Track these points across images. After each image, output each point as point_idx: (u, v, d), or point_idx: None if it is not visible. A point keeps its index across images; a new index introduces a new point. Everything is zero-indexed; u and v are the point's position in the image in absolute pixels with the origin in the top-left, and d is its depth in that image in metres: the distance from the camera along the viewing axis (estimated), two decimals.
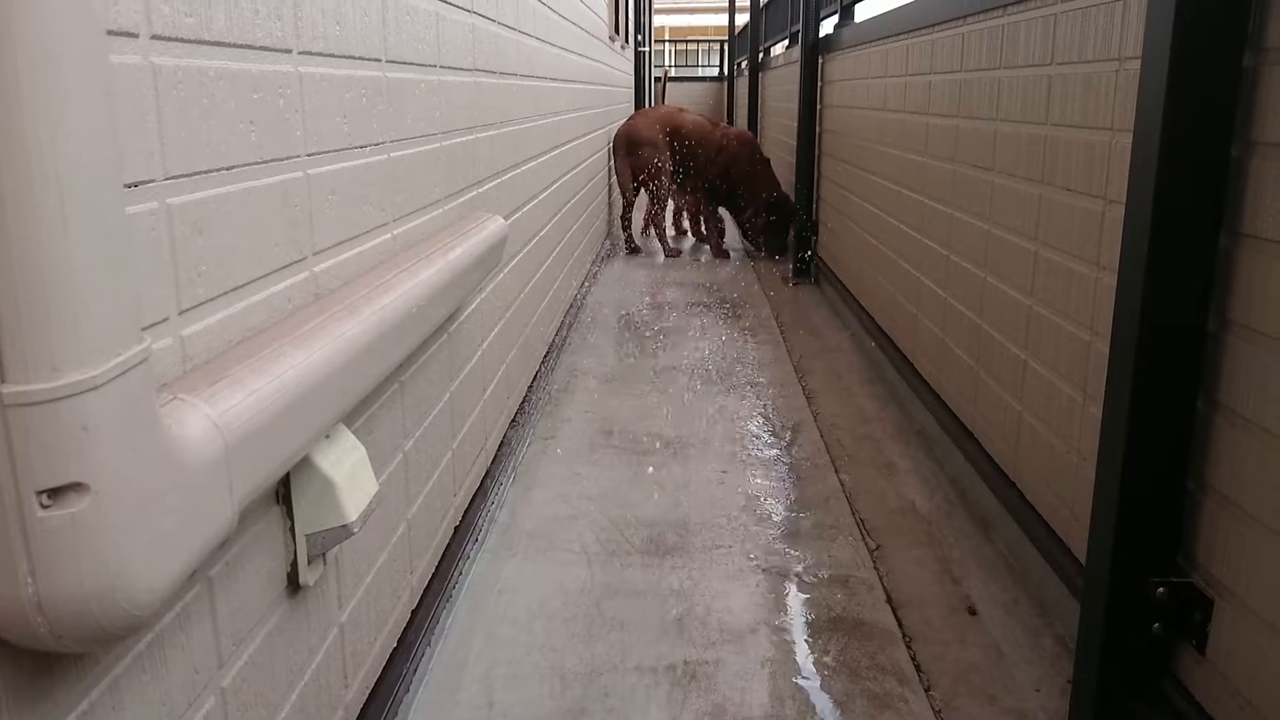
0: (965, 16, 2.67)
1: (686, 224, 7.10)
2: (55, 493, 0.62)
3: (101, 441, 0.63)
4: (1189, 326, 1.40)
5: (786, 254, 6.03)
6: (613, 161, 6.46)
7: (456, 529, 2.07)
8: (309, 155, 1.23)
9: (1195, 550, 1.44)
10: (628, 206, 6.37)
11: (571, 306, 4.25)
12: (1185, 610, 1.43)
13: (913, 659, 1.84)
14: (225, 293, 1.01)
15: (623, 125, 6.33)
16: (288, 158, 1.17)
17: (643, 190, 6.36)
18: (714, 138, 6.28)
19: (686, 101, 15.98)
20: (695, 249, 6.69)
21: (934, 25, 2.99)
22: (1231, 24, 1.31)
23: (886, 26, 3.66)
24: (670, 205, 6.62)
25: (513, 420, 2.73)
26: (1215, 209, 1.36)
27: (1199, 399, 1.42)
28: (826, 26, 5.14)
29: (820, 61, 5.15)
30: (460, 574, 2.07)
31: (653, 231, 6.62)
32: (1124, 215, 1.44)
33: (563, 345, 3.90)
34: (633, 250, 6.40)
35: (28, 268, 0.57)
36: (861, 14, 4.56)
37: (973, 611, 2.01)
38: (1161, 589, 1.44)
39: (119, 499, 0.65)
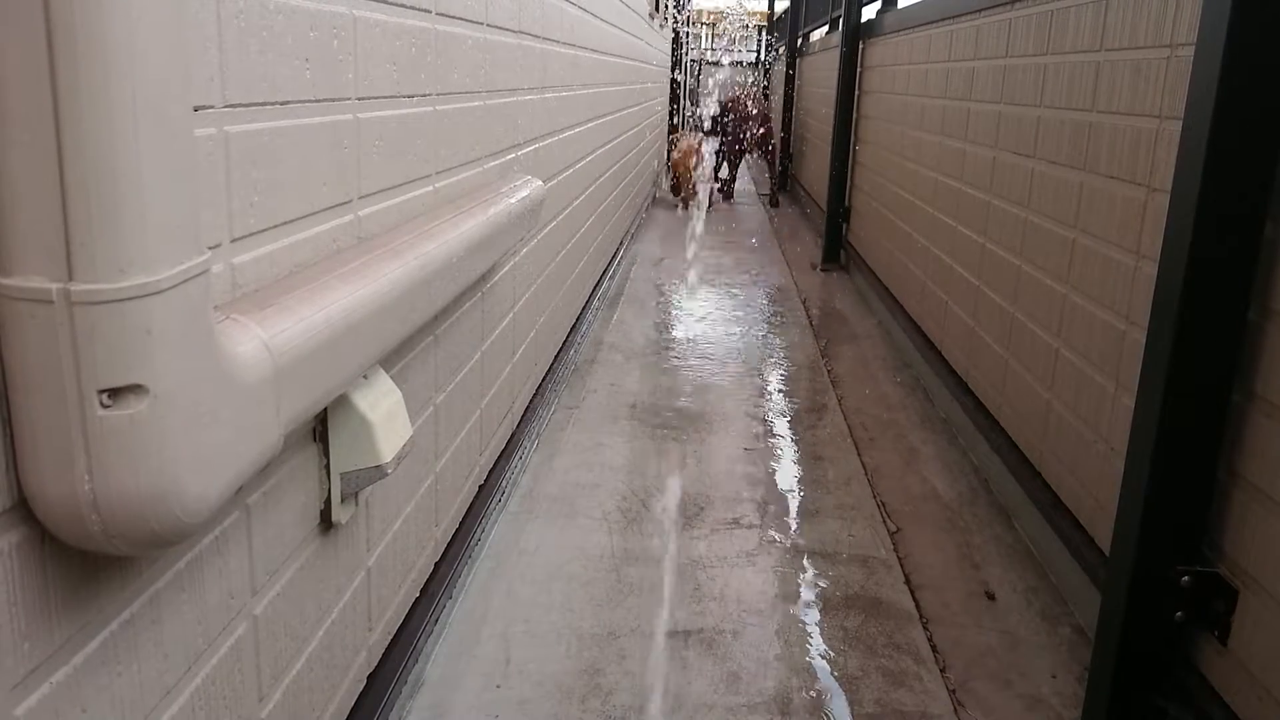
0: (1013, 2, 2.64)
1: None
2: (115, 393, 0.63)
3: (163, 346, 0.64)
4: (1229, 316, 1.38)
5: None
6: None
7: (481, 488, 2.09)
8: (359, 99, 1.24)
9: (1222, 540, 1.43)
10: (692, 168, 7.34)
11: (600, 281, 4.26)
12: (1209, 600, 1.43)
13: (929, 639, 1.85)
14: (275, 226, 1.02)
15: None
16: (339, 99, 1.18)
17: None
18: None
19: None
20: (731, 233, 6.68)
21: (980, 10, 2.96)
22: None
23: (931, 11, 3.63)
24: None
25: (538, 388, 2.74)
26: (1262, 199, 1.34)
27: (1235, 389, 1.41)
28: (869, 12, 5.10)
29: (861, 46, 5.10)
30: (483, 532, 2.09)
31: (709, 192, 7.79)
32: (1169, 204, 1.43)
33: (591, 319, 3.90)
34: (683, 204, 7.42)
35: (99, 163, 0.58)
36: None
37: (991, 597, 2.01)
38: (1186, 577, 1.44)
39: (175, 404, 0.66)
